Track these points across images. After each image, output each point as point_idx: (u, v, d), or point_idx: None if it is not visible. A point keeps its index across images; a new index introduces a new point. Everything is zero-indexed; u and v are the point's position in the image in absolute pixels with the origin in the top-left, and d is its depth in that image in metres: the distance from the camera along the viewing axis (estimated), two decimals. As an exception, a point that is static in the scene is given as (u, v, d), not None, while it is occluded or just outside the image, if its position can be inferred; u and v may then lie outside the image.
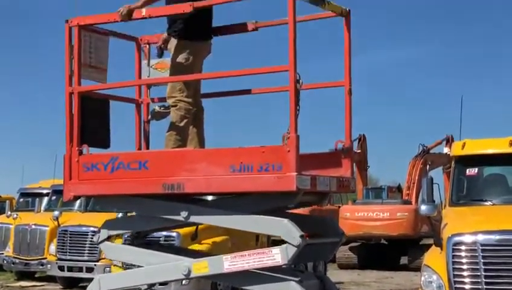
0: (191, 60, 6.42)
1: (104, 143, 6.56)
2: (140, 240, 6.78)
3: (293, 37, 5.49)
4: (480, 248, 7.93)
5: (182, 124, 6.36)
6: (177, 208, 6.05)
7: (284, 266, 5.78)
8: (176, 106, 6.37)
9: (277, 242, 5.96)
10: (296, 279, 5.71)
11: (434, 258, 8.55)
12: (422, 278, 8.45)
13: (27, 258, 18.25)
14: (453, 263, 8.07)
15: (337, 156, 6.28)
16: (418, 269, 10.94)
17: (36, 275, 18.90)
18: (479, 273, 7.91)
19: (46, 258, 17.50)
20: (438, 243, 8.53)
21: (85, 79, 6.39)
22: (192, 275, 6.06)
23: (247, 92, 6.70)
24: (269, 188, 5.52)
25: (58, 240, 16.59)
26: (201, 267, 6.03)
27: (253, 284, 5.88)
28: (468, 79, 62.21)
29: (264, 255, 5.78)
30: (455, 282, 8.05)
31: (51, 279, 17.68)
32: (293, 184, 5.41)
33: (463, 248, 8.08)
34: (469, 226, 8.37)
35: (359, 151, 23.26)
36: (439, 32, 67.61)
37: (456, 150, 9.93)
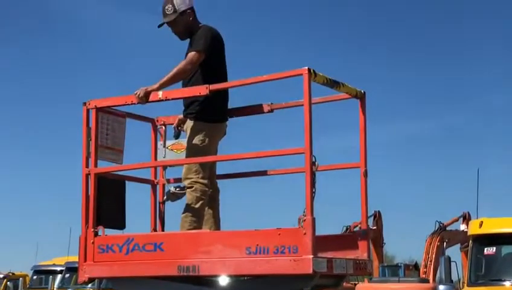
0: (206, 142, 6.44)
1: (120, 224, 6.54)
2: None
3: (309, 120, 5.50)
4: None
5: (197, 205, 6.34)
6: (193, 289, 5.99)
7: None
8: (191, 187, 6.36)
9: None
10: None
11: (453, 340, 8.43)
12: None
13: (40, 337, 18.15)
14: None
15: (354, 238, 6.23)
16: None
17: None
18: None
19: (58, 337, 17.43)
20: (458, 325, 8.42)
21: (101, 160, 6.41)
22: None
23: (263, 173, 6.70)
24: (285, 271, 5.45)
25: (71, 318, 16.52)
26: None
27: None
28: (484, 153, 62.16)
29: None
30: None
31: None
32: (309, 267, 5.35)
33: None
34: (488, 308, 8.26)
35: (375, 227, 23.08)
36: (451, 106, 68.05)
37: (474, 228, 9.88)
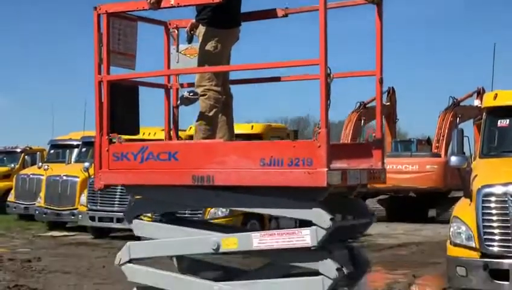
0: (219, 48, 6.33)
1: (134, 130, 6.54)
2: (170, 216, 6.80)
3: (324, 29, 5.36)
4: (511, 199, 7.92)
5: (211, 113, 6.31)
6: (208, 195, 6.05)
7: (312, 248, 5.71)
8: (204, 95, 6.31)
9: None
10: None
11: (463, 209, 8.55)
12: (451, 229, 8.46)
13: (58, 208, 18.67)
14: (483, 214, 8.11)
15: (368, 147, 6.21)
16: (446, 221, 10.93)
17: (67, 225, 19.30)
18: (509, 224, 7.93)
19: (77, 208, 17.93)
20: (468, 195, 8.52)
21: (114, 66, 6.32)
22: (221, 250, 6.07)
23: (277, 79, 6.62)
24: (299, 183, 5.47)
25: (89, 191, 16.89)
26: (230, 243, 6.05)
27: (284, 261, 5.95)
28: (501, 28, 60.81)
29: (294, 236, 5.77)
30: (484, 233, 8.06)
31: (82, 229, 18.07)
32: (323, 180, 5.36)
33: (493, 199, 8.11)
34: (499, 178, 8.34)
35: (388, 104, 23.05)
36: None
37: (488, 101, 9.80)
